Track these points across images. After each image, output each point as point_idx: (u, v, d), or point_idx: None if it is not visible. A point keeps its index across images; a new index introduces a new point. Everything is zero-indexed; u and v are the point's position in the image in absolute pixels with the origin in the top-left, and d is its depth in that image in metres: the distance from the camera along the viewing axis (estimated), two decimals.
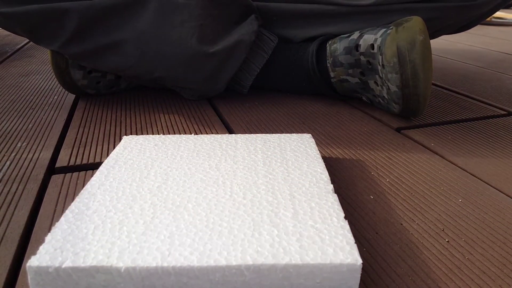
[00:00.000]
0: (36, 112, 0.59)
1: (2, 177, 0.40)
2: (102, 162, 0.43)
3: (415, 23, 0.49)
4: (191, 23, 0.56)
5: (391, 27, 0.52)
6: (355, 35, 0.57)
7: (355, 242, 0.25)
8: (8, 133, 0.51)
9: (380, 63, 0.52)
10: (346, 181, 0.39)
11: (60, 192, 0.37)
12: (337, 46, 0.58)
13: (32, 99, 0.66)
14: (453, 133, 0.52)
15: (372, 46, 0.53)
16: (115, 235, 0.26)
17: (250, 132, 0.51)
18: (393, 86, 0.51)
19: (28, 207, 0.34)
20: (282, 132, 0.51)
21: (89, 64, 0.59)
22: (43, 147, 0.47)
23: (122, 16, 0.55)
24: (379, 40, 0.52)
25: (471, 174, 0.41)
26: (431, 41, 0.56)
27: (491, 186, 0.39)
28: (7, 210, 0.33)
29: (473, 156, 0.45)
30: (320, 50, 0.60)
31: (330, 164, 0.42)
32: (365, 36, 0.55)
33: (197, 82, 0.60)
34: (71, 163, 0.43)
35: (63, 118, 0.57)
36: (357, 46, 0.55)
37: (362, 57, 0.55)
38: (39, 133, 0.51)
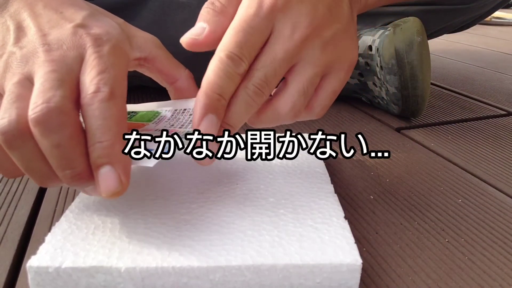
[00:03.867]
0: None
1: (2, 176, 0.40)
2: None
3: (413, 24, 0.49)
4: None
5: (389, 28, 0.52)
6: None
7: (355, 242, 0.25)
8: None
9: (379, 65, 0.52)
10: (346, 181, 0.39)
11: (60, 192, 0.37)
12: None
13: None
14: (453, 133, 0.52)
15: (370, 47, 0.53)
16: (115, 235, 0.26)
17: None
18: (392, 88, 0.51)
19: (28, 207, 0.34)
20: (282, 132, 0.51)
21: None
22: None
23: (123, 15, 0.55)
24: (377, 41, 0.52)
25: (471, 174, 0.41)
26: (431, 41, 0.56)
27: (491, 186, 0.39)
28: (7, 210, 0.33)
29: (473, 156, 0.45)
30: None
31: (330, 164, 0.42)
32: (363, 38, 0.54)
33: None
34: None
35: None
36: None
37: (360, 58, 0.55)
38: None
